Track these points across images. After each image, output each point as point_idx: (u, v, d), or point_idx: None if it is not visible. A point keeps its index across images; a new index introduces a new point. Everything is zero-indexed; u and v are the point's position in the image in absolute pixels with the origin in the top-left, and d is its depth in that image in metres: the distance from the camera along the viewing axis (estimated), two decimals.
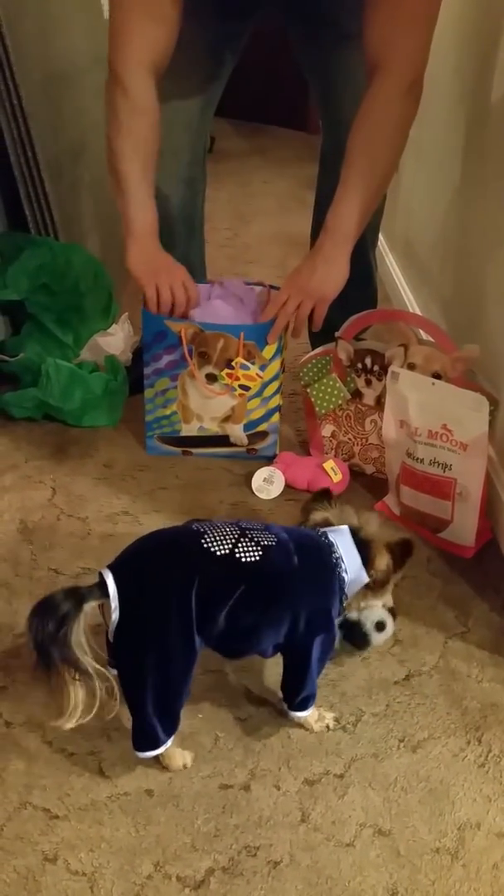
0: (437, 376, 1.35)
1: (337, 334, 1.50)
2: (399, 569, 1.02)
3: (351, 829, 0.95)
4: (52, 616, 0.84)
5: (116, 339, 1.81)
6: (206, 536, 0.93)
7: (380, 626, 1.11)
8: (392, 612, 1.15)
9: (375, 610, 1.11)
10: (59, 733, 1.04)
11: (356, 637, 1.11)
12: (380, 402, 1.47)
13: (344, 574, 0.97)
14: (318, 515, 1.06)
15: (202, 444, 1.61)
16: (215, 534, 0.94)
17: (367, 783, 1.00)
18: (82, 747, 1.03)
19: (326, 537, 1.00)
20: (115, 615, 0.89)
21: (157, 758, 0.99)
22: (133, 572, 0.91)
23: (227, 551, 0.92)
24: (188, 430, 1.59)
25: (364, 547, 1.00)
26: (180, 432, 1.60)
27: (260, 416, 1.55)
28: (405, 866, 0.91)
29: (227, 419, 1.56)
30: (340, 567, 0.97)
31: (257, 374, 1.48)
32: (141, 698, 0.91)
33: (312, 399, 1.54)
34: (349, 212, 1.33)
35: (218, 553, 0.92)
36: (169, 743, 0.96)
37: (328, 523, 1.04)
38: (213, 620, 0.91)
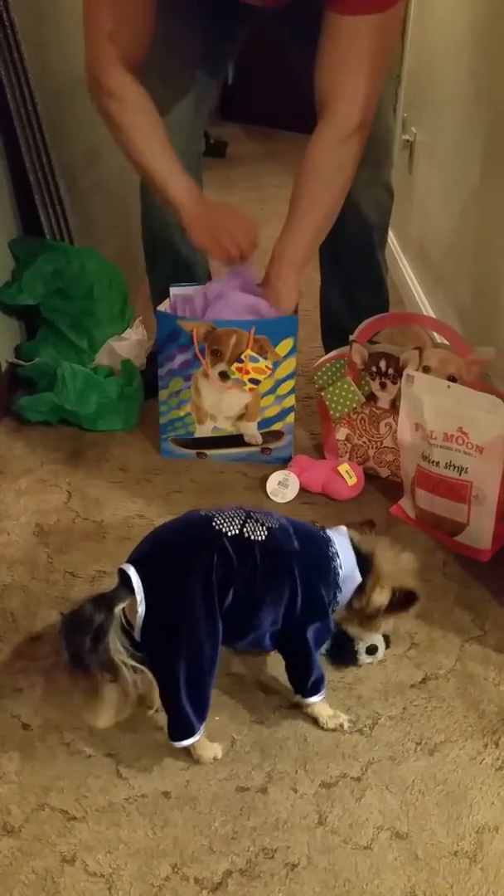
0: (452, 379, 1.35)
1: (351, 338, 1.50)
2: (391, 614, 1.03)
3: (368, 832, 0.95)
4: (86, 630, 0.86)
5: (130, 344, 1.83)
6: (215, 519, 0.97)
7: (371, 650, 1.14)
8: (386, 638, 1.16)
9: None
10: (76, 735, 1.05)
11: (345, 654, 1.13)
12: (394, 406, 1.47)
13: (339, 569, 1.00)
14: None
15: (216, 446, 1.62)
16: (223, 516, 0.98)
17: (385, 786, 1.00)
18: (100, 749, 1.04)
19: (324, 532, 1.03)
20: (140, 609, 0.90)
21: (188, 751, 1.00)
22: (154, 564, 0.93)
23: (238, 531, 0.96)
24: (202, 431, 1.60)
25: (368, 572, 1.01)
26: (194, 434, 1.61)
27: (274, 414, 1.56)
28: (423, 869, 0.91)
29: (241, 417, 1.57)
30: (336, 561, 1.00)
31: (267, 367, 1.48)
32: (175, 688, 0.93)
33: (327, 402, 1.54)
34: (293, 245, 1.42)
35: (229, 533, 0.95)
36: (202, 730, 0.97)
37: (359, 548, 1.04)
38: (226, 597, 0.94)
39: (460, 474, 1.31)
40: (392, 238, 1.78)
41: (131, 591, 0.90)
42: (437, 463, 1.33)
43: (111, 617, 0.88)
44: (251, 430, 1.59)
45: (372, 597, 1.01)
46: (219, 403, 1.56)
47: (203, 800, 0.98)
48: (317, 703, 1.05)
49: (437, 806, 0.98)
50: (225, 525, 0.96)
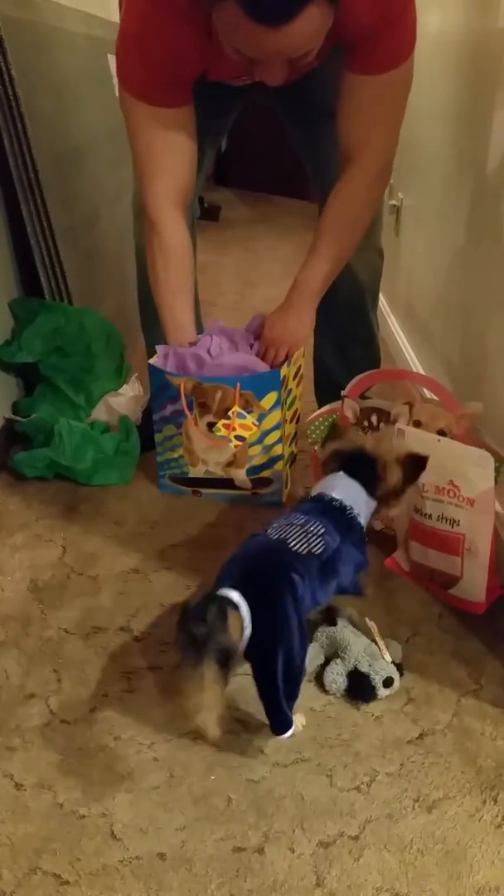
0: (442, 433, 1.37)
1: (343, 393, 1.53)
2: (410, 482, 1.15)
3: (368, 894, 0.93)
4: (206, 621, 0.93)
5: (127, 399, 1.86)
6: (289, 541, 1.10)
7: (387, 683, 1.18)
8: (399, 667, 1.21)
9: (386, 666, 1.19)
10: (70, 795, 1.03)
11: (364, 690, 1.17)
12: None
13: (360, 520, 1.17)
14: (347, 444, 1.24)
15: (211, 485, 1.68)
16: (294, 539, 1.11)
17: (383, 845, 0.98)
18: (93, 809, 1.02)
19: (341, 503, 1.16)
20: (248, 631, 0.99)
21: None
22: (253, 589, 1.02)
23: (308, 550, 1.10)
24: (195, 472, 1.66)
25: (373, 464, 1.16)
26: (188, 473, 1.66)
27: (262, 462, 1.60)
28: None
29: (230, 464, 1.62)
30: (357, 519, 1.17)
31: (253, 424, 1.53)
32: (275, 689, 1.03)
33: (320, 457, 1.56)
34: (316, 273, 1.51)
35: (303, 552, 1.09)
36: (296, 720, 1.09)
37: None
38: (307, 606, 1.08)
39: (453, 527, 1.33)
40: (381, 297, 1.84)
41: (229, 613, 0.98)
42: (430, 516, 1.35)
43: (225, 616, 0.96)
44: (240, 475, 1.63)
45: (388, 478, 1.15)
46: (208, 450, 1.61)
47: (199, 861, 0.96)
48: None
49: (436, 866, 0.96)
50: (298, 545, 1.10)
